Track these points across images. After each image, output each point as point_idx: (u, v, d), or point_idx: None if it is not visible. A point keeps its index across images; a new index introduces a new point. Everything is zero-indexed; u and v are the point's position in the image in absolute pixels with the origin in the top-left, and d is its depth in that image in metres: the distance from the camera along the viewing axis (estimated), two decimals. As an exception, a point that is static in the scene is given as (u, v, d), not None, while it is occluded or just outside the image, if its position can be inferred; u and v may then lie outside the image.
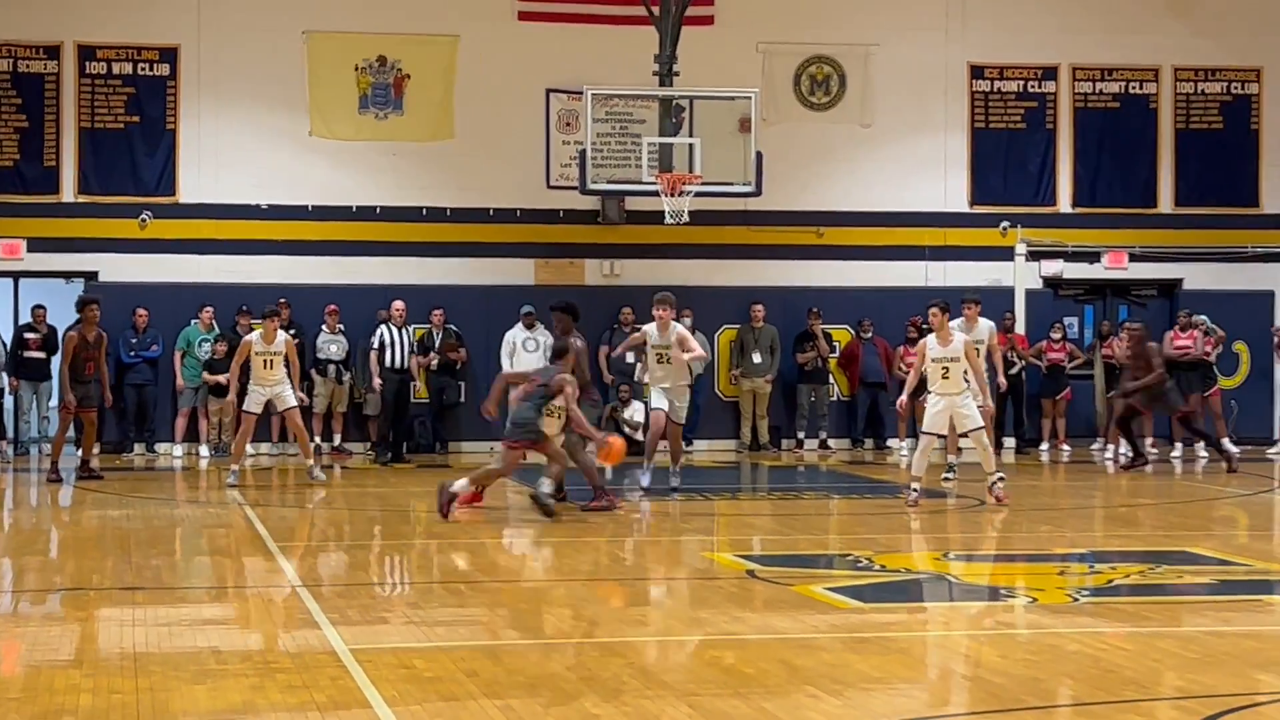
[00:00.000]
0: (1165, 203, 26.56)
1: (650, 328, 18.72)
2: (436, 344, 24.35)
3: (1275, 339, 25.44)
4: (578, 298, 23.71)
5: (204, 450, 23.95)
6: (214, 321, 24.08)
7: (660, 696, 8.76)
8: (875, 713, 8.58)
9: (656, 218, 22.71)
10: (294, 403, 20.36)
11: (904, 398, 18.89)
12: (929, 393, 17.90)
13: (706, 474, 20.91)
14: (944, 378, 17.54)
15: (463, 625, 10.91)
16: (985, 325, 20.09)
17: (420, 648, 9.98)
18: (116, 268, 24.34)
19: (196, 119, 24.56)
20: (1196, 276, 26.37)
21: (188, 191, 24.64)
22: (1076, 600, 12.09)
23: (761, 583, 12.82)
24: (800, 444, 25.30)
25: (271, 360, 20.09)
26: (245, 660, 9.63)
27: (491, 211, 25.04)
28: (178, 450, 23.92)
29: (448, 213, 24.99)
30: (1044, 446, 25.03)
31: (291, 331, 23.84)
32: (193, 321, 24.10)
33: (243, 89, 24.65)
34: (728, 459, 23.91)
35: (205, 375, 23.79)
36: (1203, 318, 24.54)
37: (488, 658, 9.68)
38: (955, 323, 18.48)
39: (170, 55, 24.54)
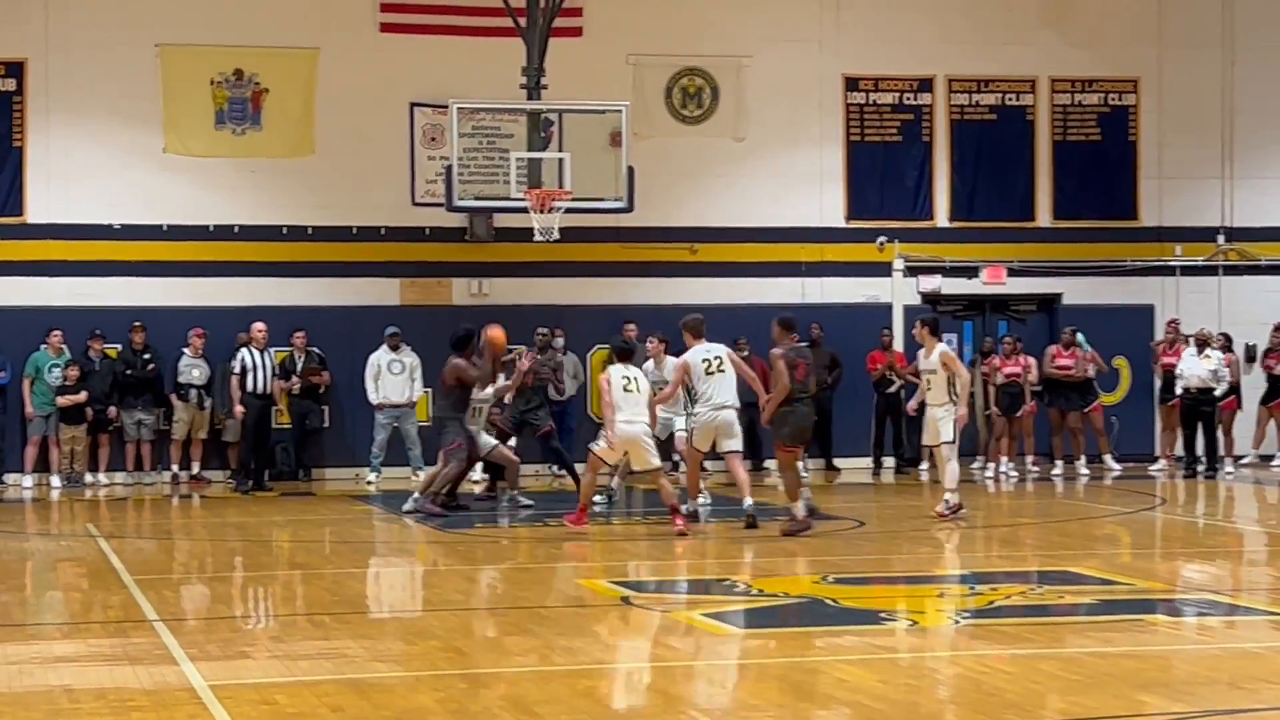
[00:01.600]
0: (1044, 216, 26.49)
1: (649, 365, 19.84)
2: (299, 367, 23.91)
3: (1154, 353, 25.21)
4: (445, 319, 23.43)
5: (55, 480, 23.16)
6: (64, 346, 23.31)
7: (533, 731, 8.63)
8: (754, 742, 8.45)
9: (526, 235, 22.52)
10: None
11: (913, 405, 19.87)
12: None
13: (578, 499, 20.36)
14: (927, 389, 18.43)
15: (327, 659, 10.68)
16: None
17: (283, 682, 9.83)
18: (-40, 291, 23.60)
19: (45, 135, 23.96)
20: (1076, 291, 26.27)
21: (36, 212, 24.03)
22: (957, 623, 12.11)
23: (637, 609, 12.74)
24: (676, 466, 24.74)
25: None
26: (99, 699, 9.39)
27: (355, 230, 24.64)
28: (27, 481, 23.07)
29: (309, 231, 24.55)
30: (924, 466, 24.64)
31: (147, 356, 23.24)
32: (42, 346, 23.33)
33: (94, 104, 24.03)
34: (601, 482, 23.28)
35: (59, 399, 22.99)
36: (1081, 338, 24.41)
37: (353, 692, 9.54)
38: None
39: (16, 69, 23.89)
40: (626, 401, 17.28)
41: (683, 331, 18.29)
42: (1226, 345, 24.49)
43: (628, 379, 17.41)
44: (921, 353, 18.63)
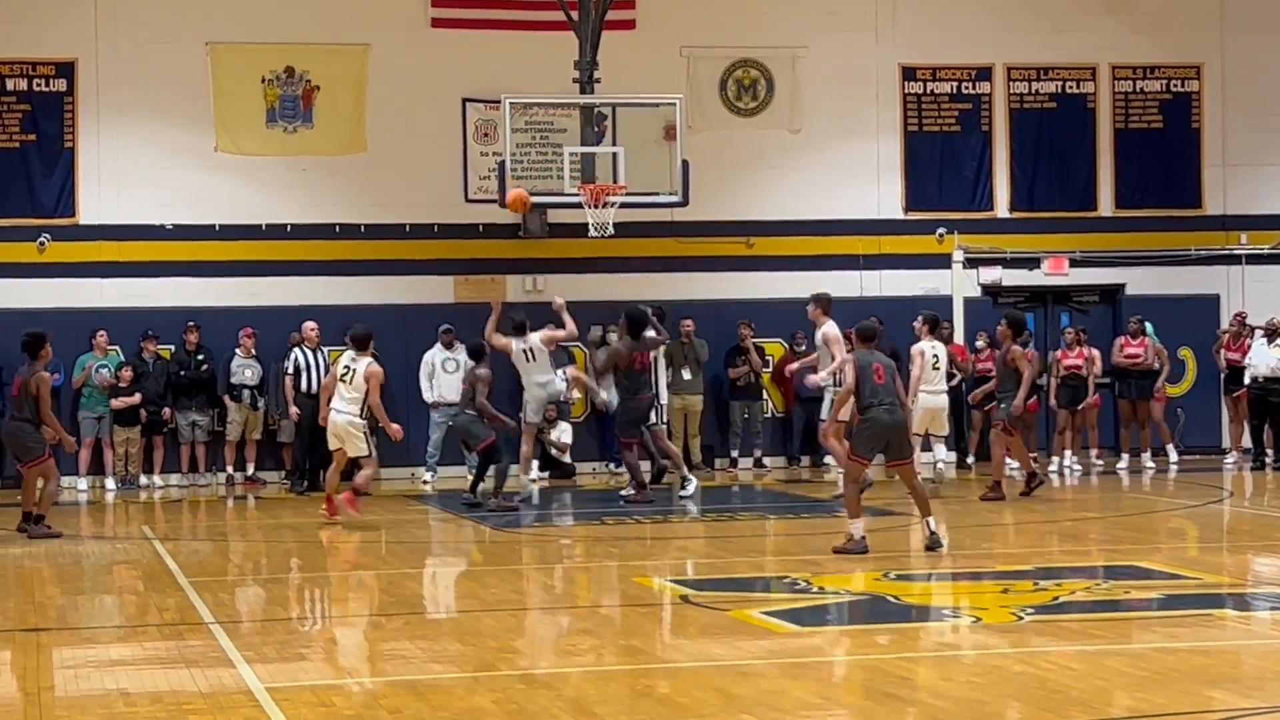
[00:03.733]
0: (1105, 205, 26.16)
1: None
2: (353, 367, 23.55)
3: (1219, 344, 24.80)
4: (502, 315, 23.21)
5: (110, 483, 23.09)
6: (113, 347, 23.33)
7: (592, 730, 8.65)
8: (817, 742, 8.51)
9: (580, 230, 22.49)
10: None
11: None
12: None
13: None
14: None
15: (384, 660, 10.76)
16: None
17: (340, 684, 9.90)
18: (14, 294, 23.52)
19: (96, 136, 23.85)
20: (1139, 281, 25.96)
21: (88, 212, 23.91)
22: (1021, 619, 11.92)
23: (696, 608, 12.64)
24: (734, 463, 24.71)
25: None
26: (155, 702, 9.41)
27: (408, 227, 24.48)
28: (82, 484, 23.00)
29: (361, 229, 24.40)
30: (970, 460, 24.36)
31: (200, 356, 23.15)
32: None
33: (144, 104, 23.92)
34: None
35: (113, 402, 22.92)
36: (1147, 325, 24.09)
37: (410, 693, 9.53)
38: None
39: (67, 70, 23.78)
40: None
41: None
42: None
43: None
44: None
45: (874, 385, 15.07)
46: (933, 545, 15.11)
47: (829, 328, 19.50)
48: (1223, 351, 24.58)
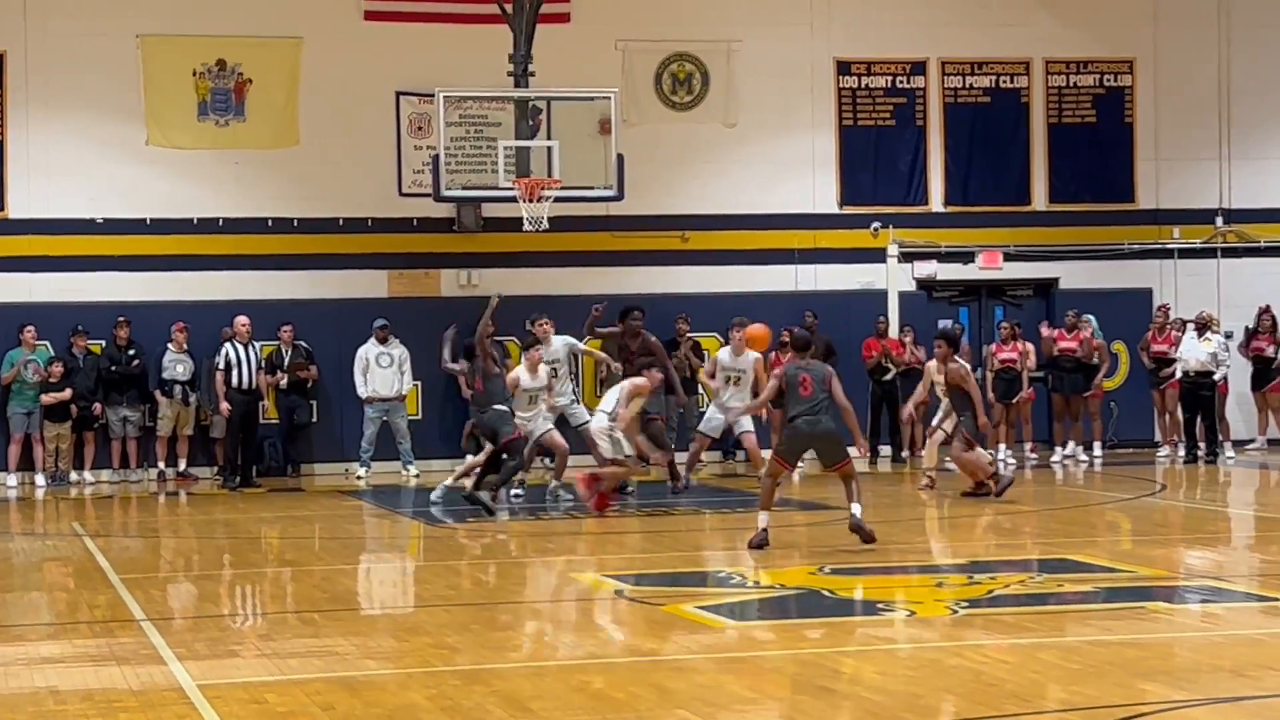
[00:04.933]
0: (1039, 200, 26.24)
1: (724, 351, 20.52)
2: (285, 362, 23.67)
3: (1144, 339, 24.85)
4: (434, 310, 23.22)
5: (40, 479, 22.91)
6: (42, 342, 23.12)
7: (526, 726, 8.61)
8: (750, 735, 8.46)
9: (515, 224, 22.43)
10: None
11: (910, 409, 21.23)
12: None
13: (572, 492, 20.13)
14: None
15: (317, 656, 10.63)
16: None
17: (273, 681, 9.80)
18: (-59, 289, 23.34)
19: (25, 129, 23.63)
20: (1073, 275, 26.04)
21: (17, 207, 23.69)
22: (955, 612, 11.97)
23: (631, 603, 12.70)
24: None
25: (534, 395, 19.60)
26: (86, 700, 9.35)
27: (341, 221, 24.35)
28: (11, 480, 22.81)
29: (295, 223, 24.27)
30: (905, 454, 24.42)
31: (132, 352, 22.97)
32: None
33: (74, 97, 23.71)
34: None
35: (43, 397, 22.72)
36: (1089, 318, 24.14)
37: (344, 690, 9.49)
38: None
39: (-4, 62, 23.59)
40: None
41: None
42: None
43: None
44: (934, 365, 19.37)
45: (799, 396, 15.10)
46: (857, 529, 14.98)
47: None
48: (1151, 345, 24.66)
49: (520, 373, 19.42)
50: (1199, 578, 13.80)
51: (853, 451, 15.59)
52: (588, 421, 19.67)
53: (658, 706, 9.04)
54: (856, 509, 15.10)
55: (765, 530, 14.99)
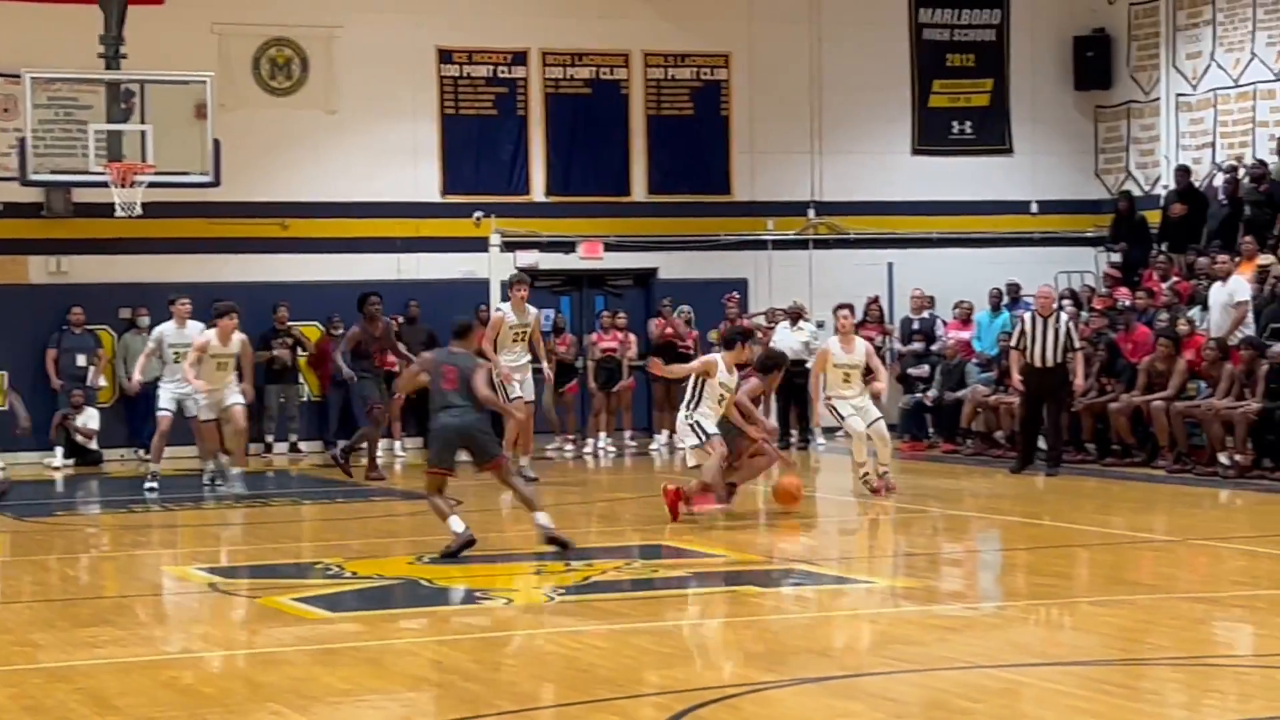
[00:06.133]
0: (639, 190, 26.45)
1: (506, 307, 20.04)
2: None
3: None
4: (23, 298, 22.42)
5: None
6: None
7: (110, 723, 8.41)
8: (342, 727, 8.46)
9: (107, 210, 21.86)
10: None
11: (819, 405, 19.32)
12: (829, 397, 18.14)
13: (167, 483, 19.70)
14: (845, 382, 17.95)
15: None
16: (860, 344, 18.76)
17: None
18: None
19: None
20: (672, 265, 26.34)
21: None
22: (552, 599, 12.17)
23: (224, 596, 12.67)
24: (269, 448, 24.26)
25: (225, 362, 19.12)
26: None
27: (-80, 205, 23.37)
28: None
29: None
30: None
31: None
32: None
33: None
34: (192, 467, 22.63)
35: None
36: (686, 308, 24.50)
37: None
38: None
39: None
40: None
41: None
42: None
43: None
44: (836, 342, 18.32)
45: (441, 389, 13.83)
46: (552, 539, 13.89)
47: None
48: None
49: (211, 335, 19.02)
50: (791, 562, 14.10)
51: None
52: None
53: (248, 700, 8.94)
54: (542, 517, 14.01)
55: (467, 528, 13.74)
